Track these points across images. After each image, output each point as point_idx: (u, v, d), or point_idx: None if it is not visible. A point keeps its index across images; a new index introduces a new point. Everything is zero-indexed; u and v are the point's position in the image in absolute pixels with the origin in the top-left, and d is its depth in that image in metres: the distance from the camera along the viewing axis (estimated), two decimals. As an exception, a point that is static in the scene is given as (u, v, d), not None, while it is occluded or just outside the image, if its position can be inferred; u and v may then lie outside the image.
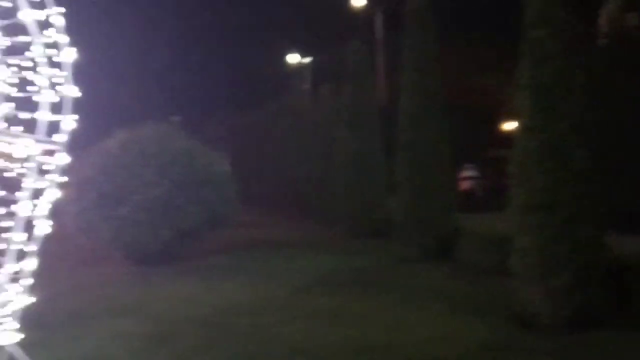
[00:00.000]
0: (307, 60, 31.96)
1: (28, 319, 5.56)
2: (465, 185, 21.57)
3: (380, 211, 15.02)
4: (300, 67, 32.18)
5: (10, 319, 5.40)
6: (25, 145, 5.53)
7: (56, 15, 5.45)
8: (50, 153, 5.60)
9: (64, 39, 5.49)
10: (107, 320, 7.90)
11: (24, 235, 5.52)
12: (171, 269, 11.57)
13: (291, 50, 31.78)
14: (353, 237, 15.23)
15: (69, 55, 5.52)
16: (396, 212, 12.44)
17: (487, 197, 20.53)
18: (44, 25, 5.47)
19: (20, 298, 5.46)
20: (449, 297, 8.73)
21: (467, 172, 22.21)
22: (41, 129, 5.54)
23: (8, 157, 5.59)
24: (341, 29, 26.56)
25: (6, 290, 5.40)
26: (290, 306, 8.55)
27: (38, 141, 5.54)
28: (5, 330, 5.33)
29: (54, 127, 5.64)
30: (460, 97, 21.83)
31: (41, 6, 5.40)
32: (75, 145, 5.86)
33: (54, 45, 5.51)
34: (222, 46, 28.95)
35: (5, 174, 5.58)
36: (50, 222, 5.63)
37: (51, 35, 5.48)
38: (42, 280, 5.74)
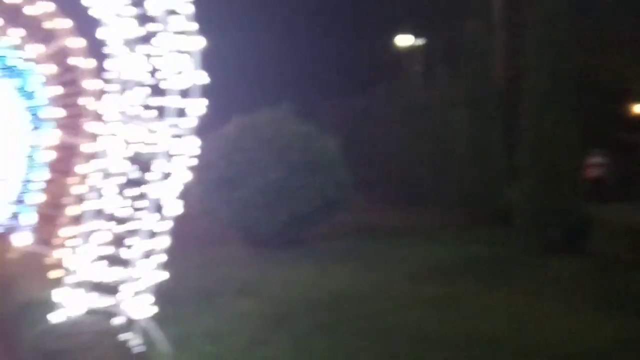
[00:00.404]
0: (419, 41, 31.15)
1: (158, 294, 5.86)
2: (593, 172, 20.08)
3: (499, 198, 14.36)
4: (412, 49, 31.47)
5: (144, 293, 5.72)
6: (156, 130, 5.80)
7: (185, 4, 5.63)
8: (179, 137, 5.84)
9: (192, 27, 5.68)
10: (229, 299, 8.19)
11: (156, 215, 5.84)
12: (287, 252, 11.77)
13: (402, 32, 31.14)
14: (469, 224, 14.68)
15: (197, 43, 5.70)
16: (517, 199, 11.78)
17: (617, 185, 19.04)
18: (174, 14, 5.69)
19: (153, 274, 5.77)
20: (579, 290, 8.15)
21: (596, 159, 20.67)
22: (171, 114, 5.80)
23: (141, 141, 5.89)
24: (456, 8, 25.58)
25: (140, 267, 5.73)
26: (406, 293, 8.37)
27: (169, 126, 5.80)
28: (139, 304, 5.66)
29: (183, 112, 5.89)
30: (588, 78, 20.34)
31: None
32: (200, 129, 6.08)
33: (183, 34, 5.72)
34: (332, 29, 28.93)
35: (139, 157, 5.90)
36: (180, 203, 5.91)
37: (180, 23, 5.69)
38: (172, 258, 6.03)
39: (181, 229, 6.20)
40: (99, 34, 5.77)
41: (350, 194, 13.80)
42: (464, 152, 15.33)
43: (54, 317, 5.50)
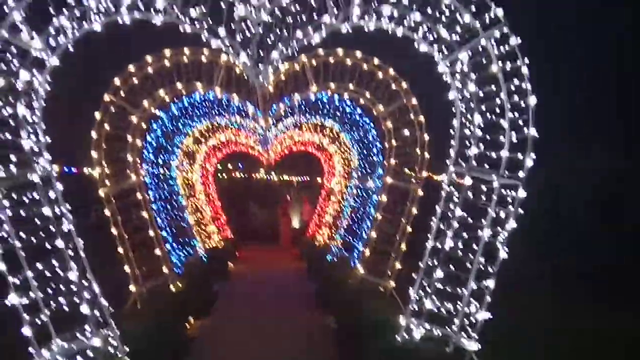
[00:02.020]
0: None
1: (482, 330, 6.35)
2: None
3: None
4: None
5: (472, 328, 6.32)
6: (490, 179, 6.42)
7: (522, 65, 6.19)
8: (510, 187, 6.35)
9: (528, 86, 6.19)
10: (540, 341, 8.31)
11: (484, 258, 6.41)
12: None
13: None
14: None
15: (531, 100, 6.18)
16: None
17: None
18: (511, 74, 6.29)
19: (481, 313, 6.32)
20: None
21: None
22: (503, 166, 6.36)
23: (476, 189, 6.58)
24: None
25: (470, 304, 6.35)
26: None
27: (500, 177, 6.37)
28: (468, 338, 6.27)
29: (513, 164, 6.40)
30: None
31: (510, 57, 6.23)
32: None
33: (519, 92, 6.27)
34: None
35: (472, 204, 6.58)
36: (507, 249, 6.38)
37: (516, 83, 6.25)
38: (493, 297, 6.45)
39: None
40: (449, 95, 6.64)
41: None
42: None
43: (397, 337, 6.45)
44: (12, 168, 5.95)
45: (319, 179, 20.35)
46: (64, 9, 5.74)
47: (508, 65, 6.31)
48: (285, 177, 24.58)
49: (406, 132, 9.56)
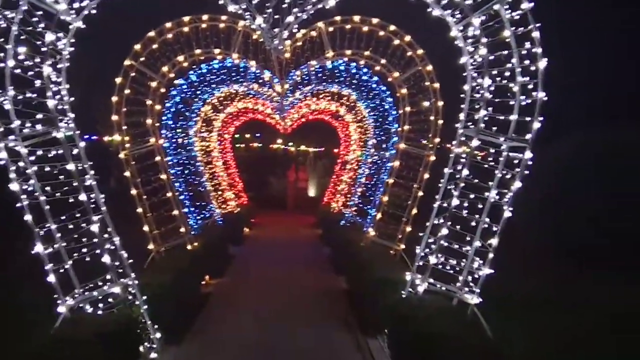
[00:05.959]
0: None
1: (483, 286, 6.55)
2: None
3: None
4: None
5: (474, 285, 6.54)
6: (497, 143, 6.57)
7: (534, 30, 6.27)
8: (516, 149, 6.49)
9: (538, 50, 6.28)
10: (545, 309, 8.48)
11: (489, 217, 6.59)
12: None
13: None
14: None
15: (541, 64, 6.27)
16: None
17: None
18: (522, 39, 6.37)
19: (483, 269, 6.53)
20: None
21: None
22: (512, 128, 6.49)
23: (483, 152, 6.73)
24: None
25: (473, 260, 6.56)
26: None
27: (507, 139, 6.51)
28: (471, 292, 6.50)
29: (521, 127, 6.53)
30: None
31: (522, 23, 6.31)
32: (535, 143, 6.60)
33: (529, 56, 6.36)
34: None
35: (479, 165, 6.74)
36: (511, 209, 6.54)
37: (527, 47, 6.34)
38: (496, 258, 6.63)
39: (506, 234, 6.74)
40: (461, 60, 6.76)
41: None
42: None
43: (404, 293, 6.70)
44: (38, 126, 6.22)
45: (335, 150, 20.52)
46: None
47: (520, 30, 6.40)
48: (302, 147, 24.85)
49: (423, 102, 9.67)
